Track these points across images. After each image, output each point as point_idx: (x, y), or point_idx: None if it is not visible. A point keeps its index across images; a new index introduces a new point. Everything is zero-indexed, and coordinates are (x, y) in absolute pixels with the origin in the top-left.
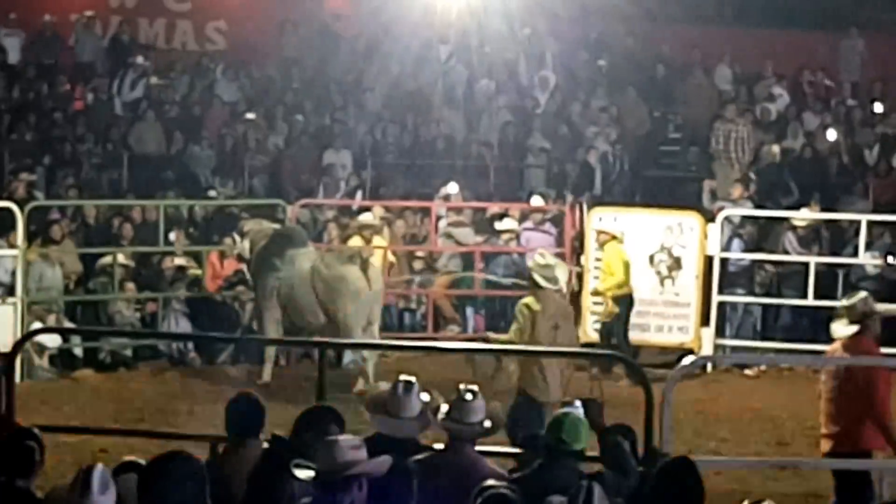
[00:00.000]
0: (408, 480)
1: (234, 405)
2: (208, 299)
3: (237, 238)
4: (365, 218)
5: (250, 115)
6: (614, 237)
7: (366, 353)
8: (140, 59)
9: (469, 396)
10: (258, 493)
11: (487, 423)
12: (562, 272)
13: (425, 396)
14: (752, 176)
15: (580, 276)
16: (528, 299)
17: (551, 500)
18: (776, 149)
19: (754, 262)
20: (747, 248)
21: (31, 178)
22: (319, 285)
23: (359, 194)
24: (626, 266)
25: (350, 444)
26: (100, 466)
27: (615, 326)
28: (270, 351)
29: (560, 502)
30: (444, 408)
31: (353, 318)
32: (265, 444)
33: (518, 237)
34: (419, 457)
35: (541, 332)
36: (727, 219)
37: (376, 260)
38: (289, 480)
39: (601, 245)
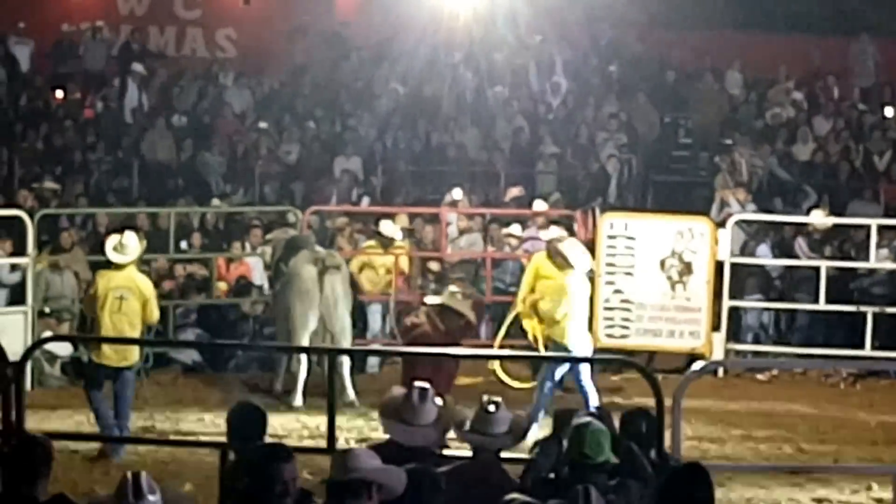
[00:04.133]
0: (436, 491)
1: (234, 414)
2: (218, 307)
3: (246, 245)
4: (386, 229)
5: (262, 124)
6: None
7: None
8: (150, 67)
9: (492, 408)
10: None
11: (511, 434)
12: (135, 248)
13: (440, 402)
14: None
15: (592, 282)
16: (100, 272)
17: None
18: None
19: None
20: (775, 253)
21: (51, 185)
22: (277, 284)
23: (365, 200)
24: None
25: (364, 453)
26: (144, 473)
27: None
28: (300, 372)
29: None
30: (469, 420)
31: (298, 318)
32: None
33: (523, 243)
34: (443, 469)
35: (106, 302)
36: (738, 223)
37: (343, 268)
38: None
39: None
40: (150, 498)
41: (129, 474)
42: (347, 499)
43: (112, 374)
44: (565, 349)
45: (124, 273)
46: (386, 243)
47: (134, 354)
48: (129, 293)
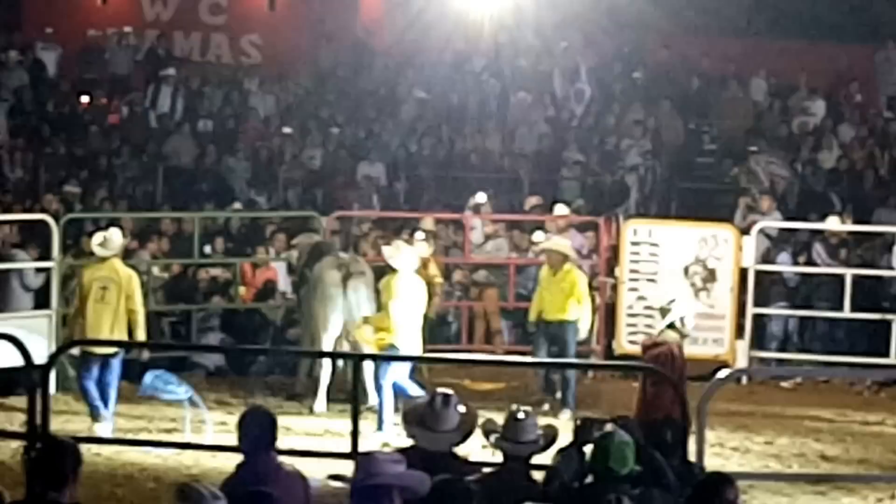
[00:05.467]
0: (469, 499)
1: (245, 420)
2: (241, 311)
3: (270, 250)
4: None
5: (287, 129)
6: None
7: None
8: (175, 73)
9: (521, 416)
10: None
11: (541, 441)
12: (118, 242)
13: (462, 408)
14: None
15: (615, 288)
16: (85, 265)
17: None
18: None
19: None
20: (795, 262)
21: (75, 190)
22: (302, 289)
23: (379, 206)
24: None
25: (387, 457)
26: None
27: None
28: (307, 365)
29: None
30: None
31: (322, 322)
32: (279, 458)
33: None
34: (474, 476)
35: (90, 293)
36: (762, 231)
37: (367, 274)
38: None
39: None
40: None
41: (192, 482)
42: (369, 503)
43: (99, 361)
44: (395, 349)
45: (108, 265)
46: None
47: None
48: (111, 283)
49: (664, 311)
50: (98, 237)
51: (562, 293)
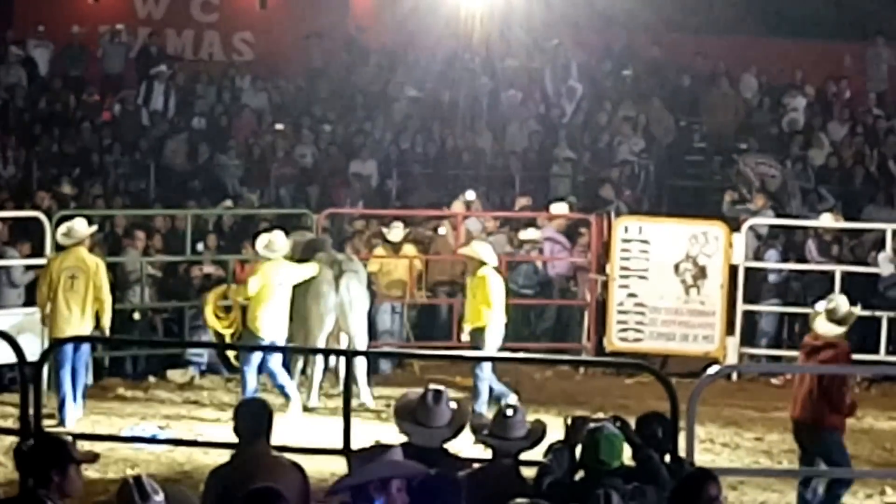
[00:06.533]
0: (457, 494)
1: (242, 408)
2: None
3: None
4: (395, 235)
5: (279, 126)
6: None
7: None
8: (168, 70)
9: (510, 412)
10: None
11: (529, 438)
12: (81, 231)
13: (454, 404)
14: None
15: (605, 285)
16: (52, 256)
17: None
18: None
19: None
20: (786, 259)
21: (68, 189)
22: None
23: (360, 204)
24: None
25: (384, 452)
26: (145, 475)
27: None
28: (316, 373)
29: None
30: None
31: (314, 320)
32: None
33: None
34: (463, 473)
35: (59, 280)
36: (752, 228)
37: (360, 271)
38: None
39: None
40: (156, 498)
41: (130, 478)
42: (371, 492)
43: (70, 348)
44: (256, 337)
45: (74, 254)
46: (397, 249)
47: (87, 328)
48: (79, 272)
49: (839, 311)
50: (62, 227)
51: (473, 299)
